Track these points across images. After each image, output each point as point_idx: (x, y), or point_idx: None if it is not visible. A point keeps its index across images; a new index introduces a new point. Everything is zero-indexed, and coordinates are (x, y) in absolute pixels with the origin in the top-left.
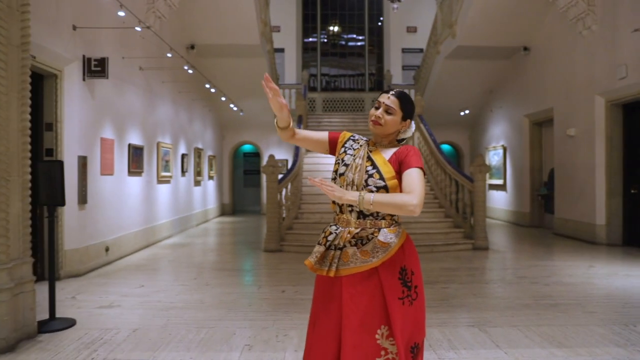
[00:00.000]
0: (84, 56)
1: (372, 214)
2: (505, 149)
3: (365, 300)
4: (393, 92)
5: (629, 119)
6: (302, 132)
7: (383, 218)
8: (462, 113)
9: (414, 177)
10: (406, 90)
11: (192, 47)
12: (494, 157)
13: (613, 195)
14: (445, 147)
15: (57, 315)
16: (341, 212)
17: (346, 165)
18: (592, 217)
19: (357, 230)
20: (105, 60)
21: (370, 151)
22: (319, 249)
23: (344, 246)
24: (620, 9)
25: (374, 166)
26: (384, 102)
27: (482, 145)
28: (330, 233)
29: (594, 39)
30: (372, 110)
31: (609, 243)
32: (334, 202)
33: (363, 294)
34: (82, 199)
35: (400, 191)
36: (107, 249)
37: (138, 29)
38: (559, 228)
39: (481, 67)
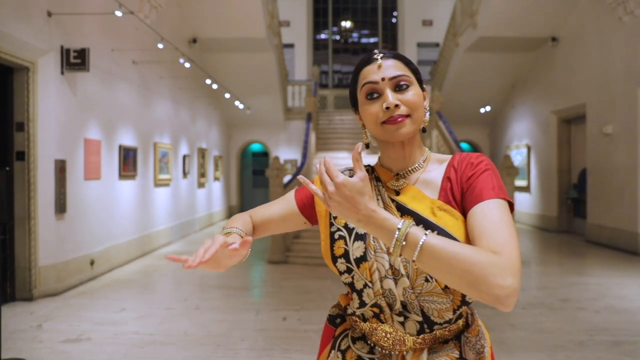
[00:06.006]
0: (62, 47)
1: (447, 320)
2: (529, 148)
3: None
4: (383, 54)
5: None
6: (258, 216)
7: (460, 316)
8: (482, 110)
9: (497, 221)
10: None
11: (195, 40)
12: (516, 157)
13: None
14: (464, 146)
15: (9, 354)
16: (378, 318)
17: (359, 237)
18: (632, 224)
19: (423, 354)
20: (85, 52)
21: (397, 190)
22: None
23: None
24: None
25: (420, 220)
26: (386, 77)
27: (502, 143)
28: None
29: (636, 24)
30: (371, 107)
31: None
32: (352, 291)
33: None
34: (60, 208)
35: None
36: (92, 263)
37: (118, 13)
38: (592, 235)
39: (504, 60)
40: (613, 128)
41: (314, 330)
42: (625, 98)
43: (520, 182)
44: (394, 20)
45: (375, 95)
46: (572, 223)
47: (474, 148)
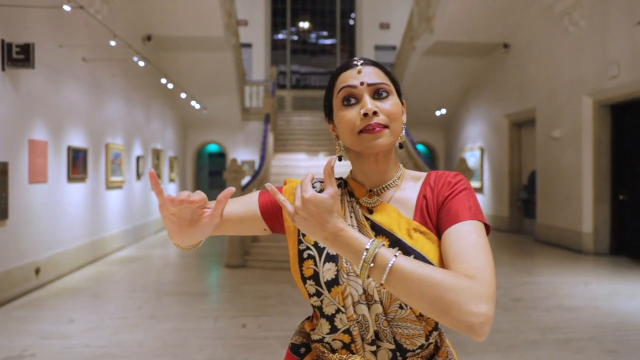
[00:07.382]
0: (2, 41)
1: (420, 346)
2: (482, 150)
3: None
4: (363, 60)
5: (618, 120)
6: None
7: (432, 342)
8: (438, 113)
9: (472, 243)
10: None
11: (149, 38)
12: (470, 159)
13: (600, 201)
14: (419, 148)
15: None
16: (348, 348)
17: (330, 258)
18: (578, 224)
19: None
20: (30, 47)
21: (371, 207)
22: None
23: None
24: (611, 3)
25: (396, 242)
26: (365, 82)
27: (457, 146)
28: None
29: (582, 35)
30: (347, 114)
31: (596, 252)
32: (320, 315)
33: None
34: (1, 214)
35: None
36: (37, 271)
37: (67, 8)
38: (541, 235)
39: (459, 64)
40: (560, 132)
41: (275, 337)
42: (571, 104)
43: (474, 184)
44: (351, 22)
45: (353, 101)
46: (522, 223)
47: (430, 150)
